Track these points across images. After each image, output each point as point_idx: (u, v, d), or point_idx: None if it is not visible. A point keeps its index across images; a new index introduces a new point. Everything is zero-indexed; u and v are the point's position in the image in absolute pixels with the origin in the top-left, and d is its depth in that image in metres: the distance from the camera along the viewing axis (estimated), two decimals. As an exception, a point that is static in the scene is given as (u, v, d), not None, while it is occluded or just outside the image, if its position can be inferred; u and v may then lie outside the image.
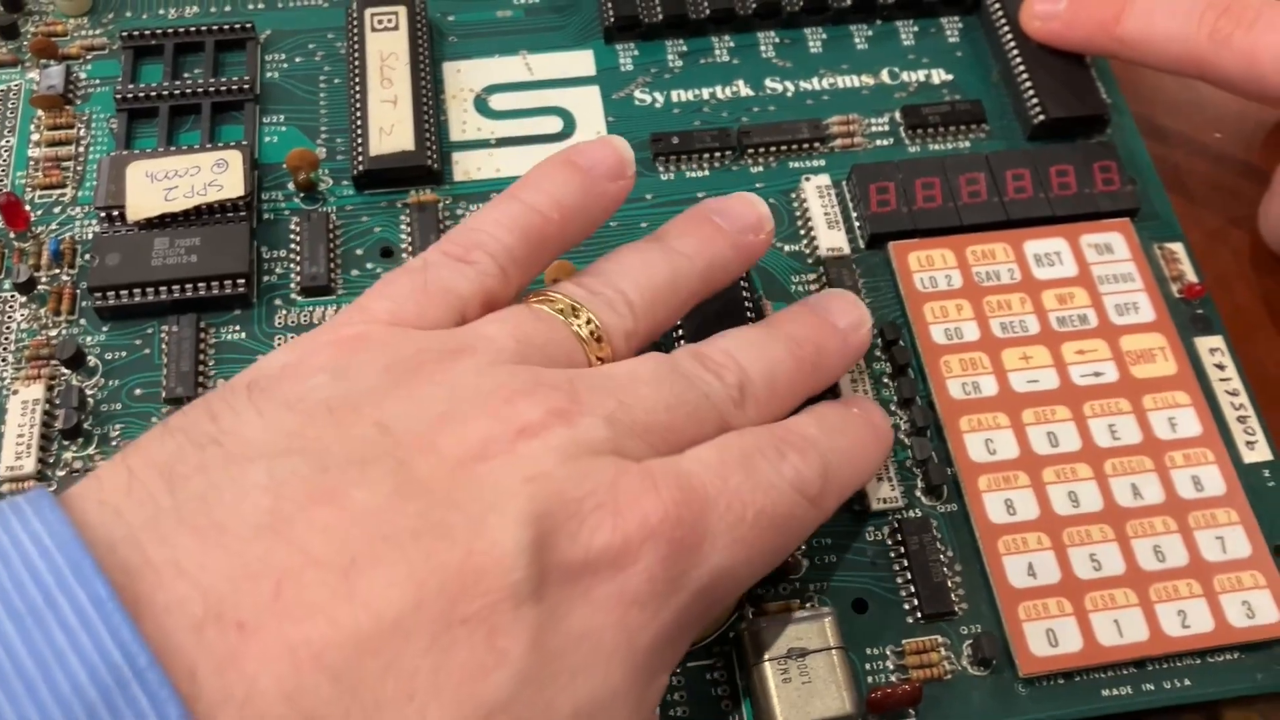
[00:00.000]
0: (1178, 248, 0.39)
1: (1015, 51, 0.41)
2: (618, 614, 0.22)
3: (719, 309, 0.35)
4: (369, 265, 0.37)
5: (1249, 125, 0.42)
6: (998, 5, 0.42)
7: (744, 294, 0.36)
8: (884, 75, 0.42)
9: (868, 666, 0.32)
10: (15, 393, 0.34)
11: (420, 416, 0.23)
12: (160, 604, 0.19)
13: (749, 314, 0.36)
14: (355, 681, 0.19)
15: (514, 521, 0.21)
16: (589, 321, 0.27)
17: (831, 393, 0.33)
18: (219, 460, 0.22)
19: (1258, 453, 0.35)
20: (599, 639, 0.21)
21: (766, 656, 0.30)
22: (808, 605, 0.32)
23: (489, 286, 0.27)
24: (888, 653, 0.32)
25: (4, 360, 0.35)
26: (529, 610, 0.20)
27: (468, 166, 0.39)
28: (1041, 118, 0.40)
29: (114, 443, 0.34)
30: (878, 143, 0.40)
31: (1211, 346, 0.37)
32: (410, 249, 0.37)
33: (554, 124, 0.40)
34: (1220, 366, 0.36)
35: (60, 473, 0.33)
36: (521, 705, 0.20)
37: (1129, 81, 0.43)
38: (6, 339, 0.35)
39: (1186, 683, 0.32)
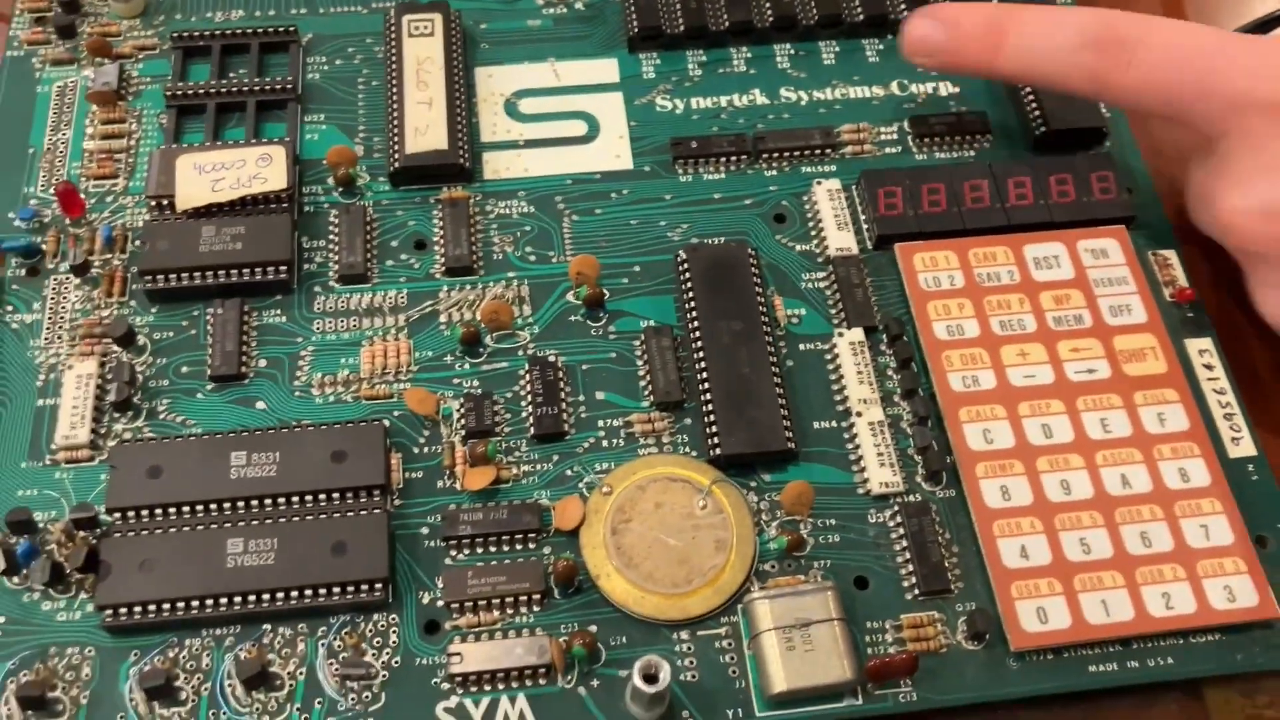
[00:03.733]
0: (1170, 254, 0.41)
1: (1019, 66, 0.43)
2: None
3: (731, 298, 0.37)
4: (403, 256, 0.39)
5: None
6: (1003, 22, 0.44)
7: (755, 288, 0.38)
8: (894, 87, 0.44)
9: (867, 639, 0.33)
10: (70, 368, 0.36)
11: None
12: None
13: (760, 307, 0.38)
14: None
15: None
16: None
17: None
18: None
19: (1242, 448, 0.37)
20: None
21: (772, 625, 0.32)
22: (812, 579, 0.34)
23: None
24: (886, 627, 0.34)
25: (59, 338, 0.37)
26: None
27: (497, 166, 0.41)
28: (1043, 129, 0.42)
29: (161, 417, 0.36)
30: (886, 150, 0.42)
31: (1201, 348, 0.39)
32: (442, 242, 0.39)
33: (579, 128, 0.43)
34: (1209, 366, 0.38)
35: (111, 443, 0.35)
36: None
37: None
38: (61, 318, 0.37)
39: (1169, 661, 0.33)
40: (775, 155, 0.42)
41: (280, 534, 0.33)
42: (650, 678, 0.30)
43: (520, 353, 0.38)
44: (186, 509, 0.33)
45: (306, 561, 0.32)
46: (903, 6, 0.45)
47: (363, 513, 0.34)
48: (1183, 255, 0.41)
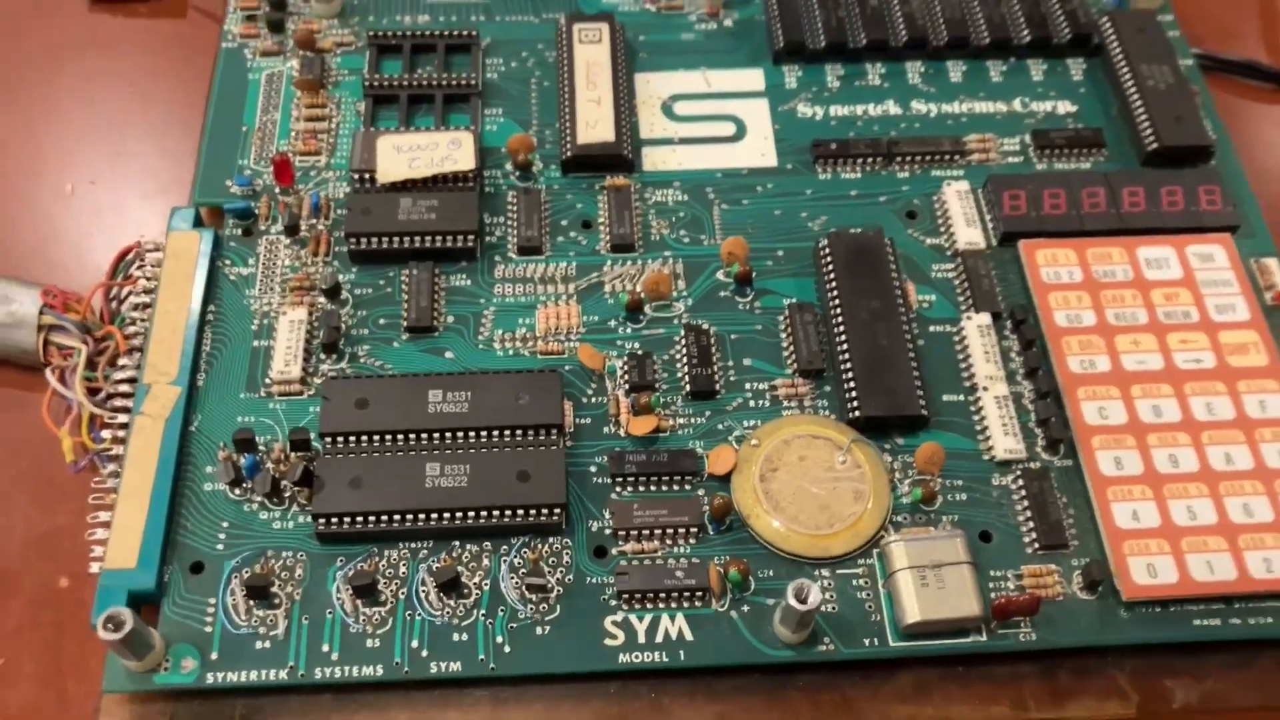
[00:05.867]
0: (1271, 262, 0.44)
1: (1133, 88, 0.47)
2: None
3: (870, 279, 0.41)
4: (571, 234, 0.44)
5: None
6: (1119, 48, 0.48)
7: (892, 272, 0.42)
8: (1016, 104, 0.48)
9: (990, 585, 0.37)
10: (284, 314, 0.41)
11: None
12: None
13: (896, 289, 0.42)
14: None
15: None
16: None
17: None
18: None
19: (1338, 437, 0.40)
20: None
21: (907, 565, 0.36)
22: (943, 528, 0.38)
23: None
24: (1008, 575, 0.37)
25: (271, 289, 0.42)
26: None
27: (654, 159, 0.46)
28: (1155, 145, 0.46)
29: (361, 360, 0.41)
30: (1009, 159, 0.47)
31: (1300, 347, 0.42)
32: (606, 223, 0.44)
33: (728, 129, 0.47)
34: (1307, 364, 0.42)
35: (317, 380, 0.40)
36: None
37: (1232, 117, 0.48)
38: (273, 273, 0.42)
39: (1269, 620, 0.37)
40: (908, 158, 0.46)
41: (472, 461, 0.37)
42: (801, 597, 0.34)
43: (675, 321, 0.42)
44: (389, 437, 0.38)
45: (495, 485, 0.37)
46: (1025, 33, 0.49)
47: (543, 448, 0.38)
48: (1283, 265, 0.44)
